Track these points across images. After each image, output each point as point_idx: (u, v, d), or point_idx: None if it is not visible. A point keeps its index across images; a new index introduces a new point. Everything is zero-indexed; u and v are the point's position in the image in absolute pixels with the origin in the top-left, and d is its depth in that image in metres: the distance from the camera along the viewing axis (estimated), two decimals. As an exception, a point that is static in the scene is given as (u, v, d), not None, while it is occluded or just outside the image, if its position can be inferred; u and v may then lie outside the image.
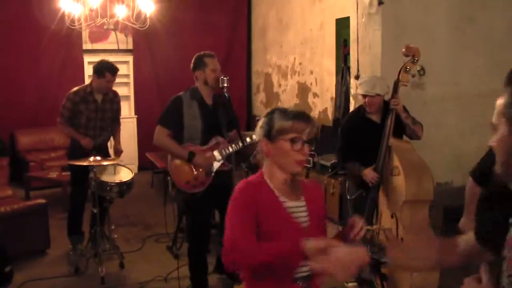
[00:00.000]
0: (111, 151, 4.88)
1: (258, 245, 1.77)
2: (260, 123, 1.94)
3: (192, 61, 3.69)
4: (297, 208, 1.92)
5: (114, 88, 4.84)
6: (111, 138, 4.88)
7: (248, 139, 3.58)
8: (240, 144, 3.55)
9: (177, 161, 3.61)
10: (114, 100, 4.74)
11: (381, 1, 4.26)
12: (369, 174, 3.50)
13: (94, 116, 4.58)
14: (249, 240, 1.77)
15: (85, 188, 4.49)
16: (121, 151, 4.75)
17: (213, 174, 3.62)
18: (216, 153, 3.62)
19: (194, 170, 3.58)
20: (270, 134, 1.88)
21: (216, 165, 3.62)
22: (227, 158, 3.67)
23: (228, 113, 3.68)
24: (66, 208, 4.99)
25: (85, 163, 4.09)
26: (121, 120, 4.97)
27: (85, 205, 4.69)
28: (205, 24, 8.29)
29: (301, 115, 1.89)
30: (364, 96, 3.60)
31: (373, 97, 3.57)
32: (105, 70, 4.49)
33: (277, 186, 1.91)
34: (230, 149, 3.61)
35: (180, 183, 3.61)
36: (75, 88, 4.61)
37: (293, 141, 1.84)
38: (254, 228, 1.80)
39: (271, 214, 1.84)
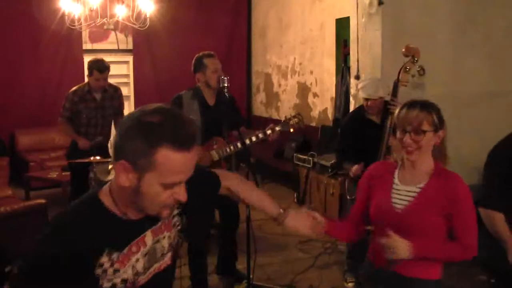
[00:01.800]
0: (111, 151, 4.88)
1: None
2: None
3: (192, 63, 3.70)
4: (406, 192, 2.02)
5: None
6: (111, 137, 4.88)
7: (247, 141, 3.57)
8: (239, 145, 3.55)
9: None
10: (114, 96, 4.75)
11: (381, 1, 4.26)
12: (353, 168, 3.54)
13: (94, 114, 4.59)
14: (347, 217, 2.27)
15: (85, 188, 4.49)
16: None
17: None
18: (213, 153, 3.62)
19: None
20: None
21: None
22: (227, 159, 3.67)
23: (233, 111, 3.69)
24: (66, 207, 4.99)
25: (85, 161, 4.10)
26: (122, 118, 4.98)
27: None
28: (205, 24, 8.29)
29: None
30: (367, 99, 3.61)
31: (376, 100, 3.58)
32: (93, 68, 4.51)
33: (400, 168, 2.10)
34: (228, 150, 3.60)
35: None
36: (74, 88, 4.63)
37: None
38: (359, 206, 2.19)
39: (378, 193, 2.09)
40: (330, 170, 5.65)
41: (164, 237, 1.45)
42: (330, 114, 6.68)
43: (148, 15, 5.90)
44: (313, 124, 7.04)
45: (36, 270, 1.24)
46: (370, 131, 3.60)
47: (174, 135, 1.21)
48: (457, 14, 4.49)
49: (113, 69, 7.83)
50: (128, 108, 8.12)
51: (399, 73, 3.45)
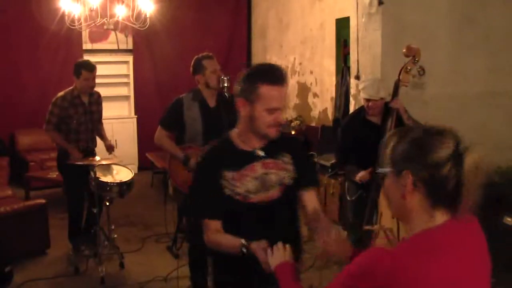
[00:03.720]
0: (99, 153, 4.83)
1: None
2: None
3: (191, 64, 3.71)
4: None
5: (114, 88, 4.84)
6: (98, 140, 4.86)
7: None
8: None
9: (176, 161, 3.65)
10: (98, 101, 4.75)
11: (381, 1, 4.25)
12: (360, 174, 3.51)
13: (84, 119, 4.55)
14: None
15: (82, 190, 4.47)
16: (113, 147, 4.74)
17: None
18: None
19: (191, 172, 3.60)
20: None
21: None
22: None
23: (233, 112, 3.68)
24: (66, 208, 4.98)
25: (85, 163, 4.09)
26: (121, 120, 4.98)
27: (84, 207, 4.67)
28: (205, 24, 8.29)
29: None
30: (368, 100, 3.60)
31: (377, 101, 3.57)
32: (80, 69, 4.46)
33: None
34: None
35: (178, 182, 3.68)
36: (61, 93, 4.55)
37: None
38: None
39: None
40: (330, 170, 5.64)
41: (272, 173, 2.02)
42: (330, 114, 6.68)
43: (148, 15, 5.89)
44: (313, 124, 7.04)
45: (197, 170, 2.16)
46: (370, 132, 3.59)
47: (269, 75, 1.91)
48: (457, 14, 4.49)
49: (113, 69, 7.93)
50: (128, 108, 8.13)
51: (399, 73, 3.45)
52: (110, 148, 4.72)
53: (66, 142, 4.50)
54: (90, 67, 4.49)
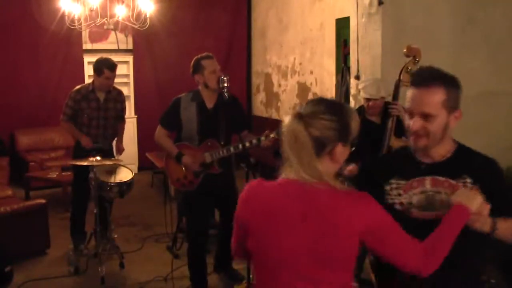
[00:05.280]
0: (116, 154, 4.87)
1: None
2: None
3: (191, 65, 3.70)
4: None
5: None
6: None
7: (240, 146, 3.53)
8: (232, 149, 3.54)
9: (172, 159, 3.70)
10: (117, 99, 4.73)
11: (381, 1, 4.25)
12: (349, 168, 3.49)
13: (96, 115, 4.56)
14: None
15: (87, 188, 4.48)
16: (123, 149, 4.79)
17: (201, 176, 3.62)
18: (206, 155, 3.61)
19: (184, 169, 3.62)
20: None
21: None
22: (224, 162, 3.65)
23: (234, 113, 3.67)
24: (66, 208, 5.00)
25: (85, 163, 4.09)
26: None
27: (88, 206, 4.68)
28: (205, 24, 8.30)
29: None
30: (368, 99, 3.60)
31: (377, 100, 3.57)
32: (103, 67, 4.49)
33: None
34: (221, 153, 3.60)
35: (172, 180, 3.74)
36: (78, 87, 4.63)
37: None
38: None
39: None
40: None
41: (445, 193, 1.79)
42: (330, 114, 6.67)
43: (148, 15, 5.90)
44: (313, 124, 7.03)
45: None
46: (370, 131, 3.58)
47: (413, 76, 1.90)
48: (457, 14, 4.49)
49: (113, 69, 7.91)
50: (128, 108, 8.13)
51: (400, 73, 3.44)
52: (118, 150, 4.78)
53: (77, 131, 4.56)
54: (112, 67, 4.53)
